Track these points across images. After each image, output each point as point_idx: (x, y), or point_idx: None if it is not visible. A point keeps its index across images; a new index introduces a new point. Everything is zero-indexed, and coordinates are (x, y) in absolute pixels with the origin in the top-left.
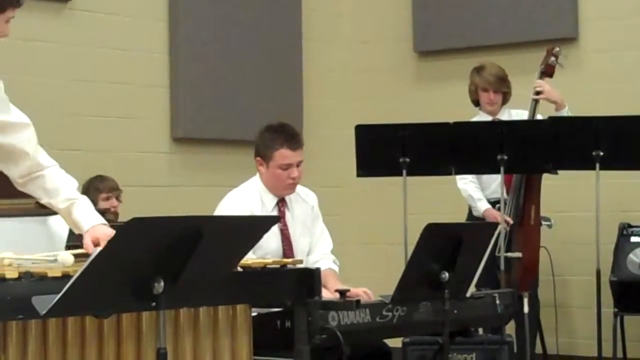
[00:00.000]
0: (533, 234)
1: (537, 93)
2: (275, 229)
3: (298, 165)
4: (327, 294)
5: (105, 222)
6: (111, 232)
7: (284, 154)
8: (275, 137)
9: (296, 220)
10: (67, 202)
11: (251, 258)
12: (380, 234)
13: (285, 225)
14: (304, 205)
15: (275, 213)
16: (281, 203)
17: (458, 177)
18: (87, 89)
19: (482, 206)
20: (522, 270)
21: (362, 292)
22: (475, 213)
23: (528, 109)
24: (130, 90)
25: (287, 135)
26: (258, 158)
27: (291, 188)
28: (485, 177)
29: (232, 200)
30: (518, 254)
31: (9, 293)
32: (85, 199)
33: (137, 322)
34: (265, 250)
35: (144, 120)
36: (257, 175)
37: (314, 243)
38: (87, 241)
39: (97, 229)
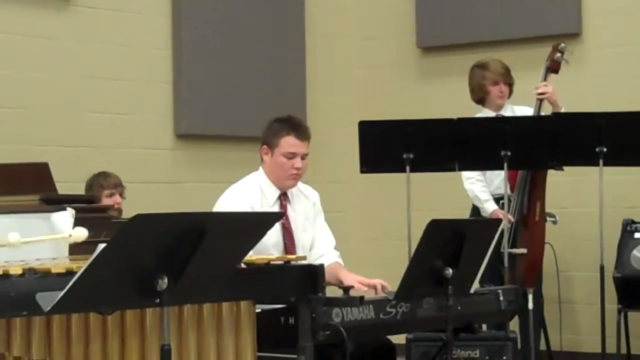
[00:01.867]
0: (538, 230)
1: (541, 93)
2: (277, 223)
3: (303, 158)
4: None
5: None
6: None
7: (290, 142)
8: (283, 125)
9: (298, 214)
10: None
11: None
12: (383, 230)
13: (287, 219)
14: (305, 200)
15: (276, 207)
16: (283, 197)
17: (464, 177)
18: (90, 86)
19: (489, 207)
20: (526, 267)
21: (378, 282)
22: (483, 213)
23: (531, 105)
24: (133, 87)
25: (295, 124)
26: (264, 146)
27: (293, 179)
28: (489, 173)
29: (231, 195)
30: (523, 250)
31: (12, 289)
32: None
33: (141, 319)
34: (266, 245)
35: (147, 116)
36: (260, 169)
37: (315, 239)
38: None
39: None
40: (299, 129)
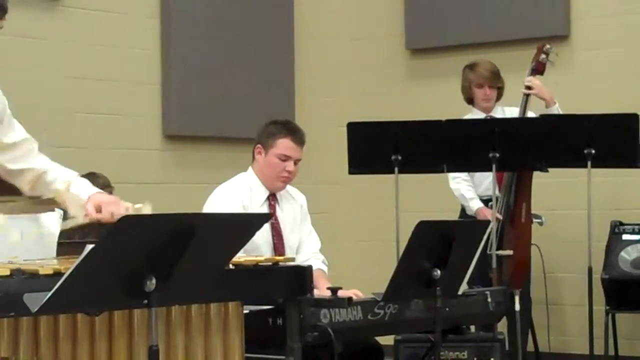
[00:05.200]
0: (524, 232)
1: (528, 88)
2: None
3: (296, 163)
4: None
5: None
6: (113, 198)
7: (285, 144)
8: (281, 128)
9: (286, 215)
10: (65, 183)
11: (241, 255)
12: (372, 231)
13: (276, 219)
14: (293, 202)
15: (265, 207)
16: (272, 198)
17: (450, 177)
18: (79, 86)
19: (474, 205)
20: (513, 268)
21: (352, 293)
22: (468, 212)
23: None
24: (122, 87)
25: (293, 128)
26: (258, 146)
27: (283, 182)
28: (478, 175)
29: (222, 193)
30: (509, 252)
31: (0, 290)
32: (84, 179)
33: (129, 320)
34: (255, 244)
35: (135, 117)
36: (249, 169)
37: (301, 243)
38: (89, 208)
39: (97, 196)
40: (296, 133)
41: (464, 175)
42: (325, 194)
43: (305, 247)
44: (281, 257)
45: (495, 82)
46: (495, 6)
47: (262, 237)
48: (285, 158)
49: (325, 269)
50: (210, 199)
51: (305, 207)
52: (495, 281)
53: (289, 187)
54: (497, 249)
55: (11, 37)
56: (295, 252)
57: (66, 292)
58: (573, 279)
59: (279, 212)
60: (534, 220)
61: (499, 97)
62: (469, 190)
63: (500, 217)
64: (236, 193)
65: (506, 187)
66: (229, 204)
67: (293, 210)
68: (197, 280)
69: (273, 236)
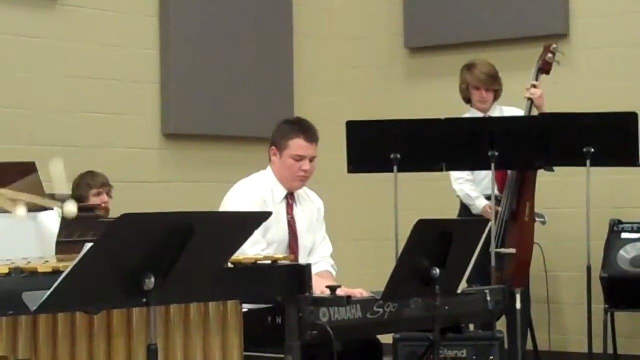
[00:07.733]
0: (528, 231)
1: (532, 94)
2: (284, 220)
3: (311, 161)
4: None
5: None
6: None
7: (299, 144)
8: (293, 128)
9: (304, 215)
10: None
11: (260, 245)
12: (371, 230)
13: (292, 218)
14: (310, 204)
15: (284, 205)
16: (290, 197)
17: (453, 178)
18: (78, 85)
19: (480, 204)
20: (516, 267)
21: (358, 292)
22: (474, 211)
23: (519, 106)
24: (121, 87)
25: (305, 127)
26: (273, 147)
27: (301, 181)
28: (476, 174)
29: (244, 188)
30: (512, 251)
31: None
32: None
33: (128, 319)
34: (274, 240)
35: (134, 116)
36: (268, 168)
37: (315, 247)
38: None
39: None
40: (309, 132)
41: (467, 175)
42: (324, 193)
43: (317, 251)
44: (280, 256)
45: (492, 85)
46: (495, 5)
47: (281, 235)
48: (299, 158)
49: (334, 272)
50: (231, 193)
51: (322, 212)
52: (495, 279)
53: (308, 191)
54: (500, 248)
55: (10, 36)
56: (308, 254)
57: (65, 291)
58: (572, 277)
59: (296, 212)
60: (537, 219)
61: (496, 98)
62: (473, 190)
63: (499, 208)
64: (257, 188)
65: (510, 186)
66: (250, 198)
67: (310, 211)
68: (196, 279)
69: (289, 234)
